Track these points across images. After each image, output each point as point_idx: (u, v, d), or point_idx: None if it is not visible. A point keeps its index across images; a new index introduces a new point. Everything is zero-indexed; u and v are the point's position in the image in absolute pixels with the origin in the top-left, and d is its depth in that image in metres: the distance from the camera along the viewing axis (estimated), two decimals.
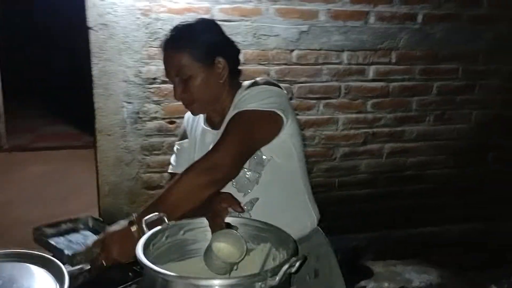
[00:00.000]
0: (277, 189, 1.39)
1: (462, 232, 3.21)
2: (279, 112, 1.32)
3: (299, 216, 1.42)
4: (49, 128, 5.66)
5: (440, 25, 2.88)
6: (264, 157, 1.35)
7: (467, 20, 2.92)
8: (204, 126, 1.47)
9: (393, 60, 2.86)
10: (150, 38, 2.44)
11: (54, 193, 3.80)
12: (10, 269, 1.13)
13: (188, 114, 1.53)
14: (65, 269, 1.10)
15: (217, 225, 1.18)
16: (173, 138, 2.59)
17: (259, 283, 0.95)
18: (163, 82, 2.51)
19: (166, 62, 1.38)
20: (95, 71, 2.42)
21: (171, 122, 2.57)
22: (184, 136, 1.55)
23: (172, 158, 1.57)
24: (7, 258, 1.18)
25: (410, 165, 3.07)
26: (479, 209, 3.21)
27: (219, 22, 2.46)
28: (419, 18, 2.84)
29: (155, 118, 2.54)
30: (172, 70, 1.37)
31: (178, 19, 2.44)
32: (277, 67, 2.68)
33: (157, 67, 2.48)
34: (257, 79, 1.41)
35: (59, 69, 6.62)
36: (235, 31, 2.55)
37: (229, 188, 1.33)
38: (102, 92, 2.45)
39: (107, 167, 2.54)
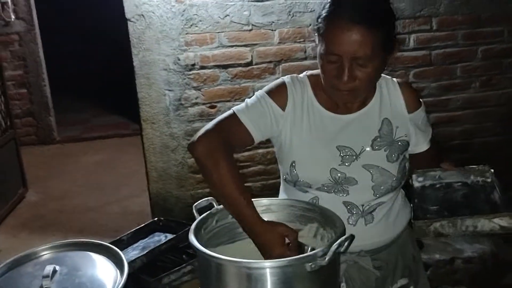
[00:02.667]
0: (398, 190, 1.33)
1: None
2: None
3: (406, 207, 1.35)
4: (97, 119, 5.85)
5: None
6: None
7: None
8: (321, 109, 1.26)
9: (434, 27, 2.76)
10: (186, 25, 2.47)
11: (107, 181, 3.97)
12: (74, 258, 1.22)
13: (296, 82, 1.27)
14: (123, 255, 1.17)
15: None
16: None
17: (309, 264, 0.97)
18: (202, 68, 2.54)
19: (348, 39, 1.10)
20: (135, 61, 2.48)
21: (212, 107, 2.62)
22: (282, 103, 1.25)
23: (250, 106, 1.24)
24: (70, 247, 1.27)
25: (457, 134, 2.98)
26: None
27: (251, 3, 2.52)
28: None
29: (196, 104, 2.59)
30: (351, 50, 1.11)
31: (212, 4, 2.47)
32: (314, 44, 2.65)
33: (194, 53, 2.51)
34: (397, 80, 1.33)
35: (105, 61, 6.79)
36: (269, 10, 2.54)
37: (365, 189, 1.24)
38: (144, 82, 2.51)
39: (154, 154, 2.63)
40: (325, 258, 0.96)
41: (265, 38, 2.59)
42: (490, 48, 2.87)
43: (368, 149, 1.25)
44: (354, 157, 1.24)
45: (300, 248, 1.12)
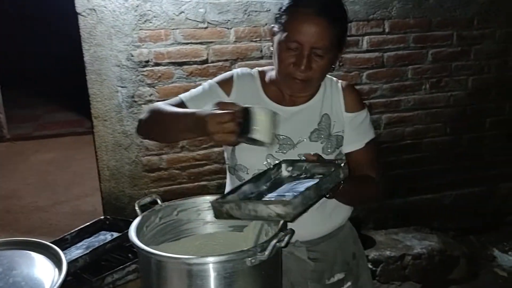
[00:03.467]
0: None
1: (461, 198, 3.24)
2: None
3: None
4: (50, 116, 5.67)
5: None
6: None
7: None
8: (266, 100, 1.34)
9: (387, 30, 2.83)
10: (140, 20, 2.43)
11: (59, 180, 3.85)
12: (10, 257, 1.17)
13: (244, 74, 1.37)
14: (62, 254, 1.14)
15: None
16: None
17: (249, 259, 0.98)
18: (156, 64, 2.50)
19: (310, 29, 1.19)
20: (86, 57, 2.41)
21: None
22: (227, 91, 1.33)
23: (195, 93, 1.33)
24: (8, 246, 1.22)
25: (407, 134, 3.07)
26: (477, 174, 3.23)
27: (207, 1, 2.50)
28: None
29: (150, 101, 2.54)
30: (313, 40, 1.20)
31: (166, 0, 2.44)
32: (270, 43, 2.66)
33: (148, 50, 2.47)
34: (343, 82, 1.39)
35: (57, 56, 6.60)
36: (225, 8, 2.53)
37: None
38: (96, 78, 2.45)
39: (106, 152, 2.57)
40: (265, 253, 0.97)
41: (221, 36, 2.58)
42: (439, 51, 2.97)
43: (305, 140, 1.32)
44: (292, 146, 1.31)
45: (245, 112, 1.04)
